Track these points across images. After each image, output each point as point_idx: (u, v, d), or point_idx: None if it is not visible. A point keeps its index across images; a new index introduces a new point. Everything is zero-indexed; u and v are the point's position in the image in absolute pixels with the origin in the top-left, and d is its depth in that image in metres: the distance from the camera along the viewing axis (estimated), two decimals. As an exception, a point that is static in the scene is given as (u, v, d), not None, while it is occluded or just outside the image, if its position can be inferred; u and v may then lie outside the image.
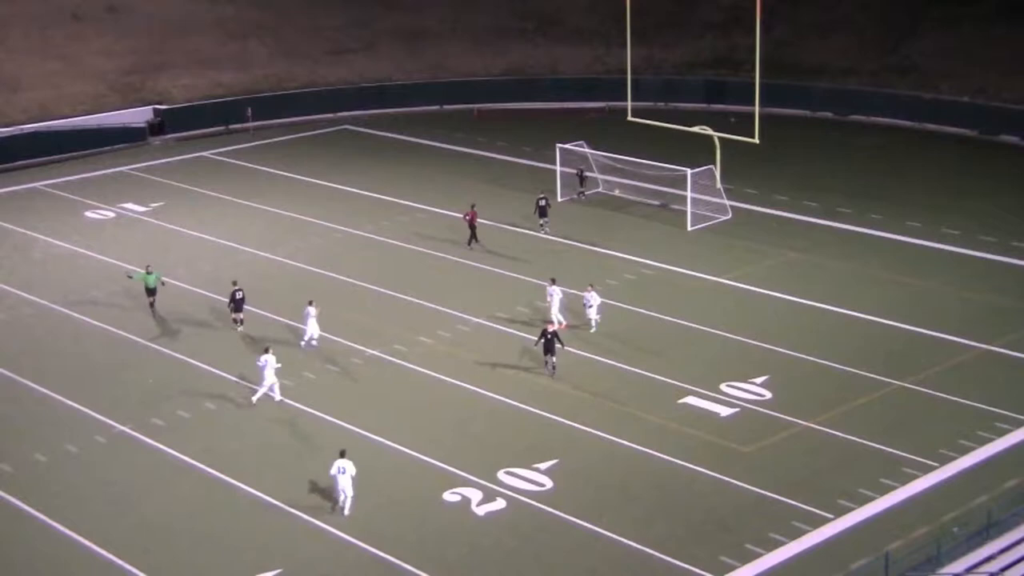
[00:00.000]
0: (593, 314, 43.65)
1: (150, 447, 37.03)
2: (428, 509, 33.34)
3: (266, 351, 39.56)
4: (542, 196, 55.09)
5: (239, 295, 45.01)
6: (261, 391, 39.23)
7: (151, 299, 46.26)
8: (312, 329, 42.88)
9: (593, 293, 43.64)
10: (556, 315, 43.48)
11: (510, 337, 43.76)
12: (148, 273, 46.25)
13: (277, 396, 39.23)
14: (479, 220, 52.87)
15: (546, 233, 54.29)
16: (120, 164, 68.58)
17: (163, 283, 46.68)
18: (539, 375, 40.50)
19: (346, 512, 32.99)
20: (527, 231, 54.56)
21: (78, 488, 35.02)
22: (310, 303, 43.20)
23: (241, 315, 45.13)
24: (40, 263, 53.43)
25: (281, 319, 45.90)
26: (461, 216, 53.77)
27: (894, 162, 64.37)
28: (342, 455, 33.13)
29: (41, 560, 31.67)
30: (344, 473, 32.81)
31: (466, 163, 66.28)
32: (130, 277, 47.37)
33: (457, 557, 31.18)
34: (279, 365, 39.30)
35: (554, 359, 39.97)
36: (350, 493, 32.90)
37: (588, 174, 58.85)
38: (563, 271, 49.57)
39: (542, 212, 54.54)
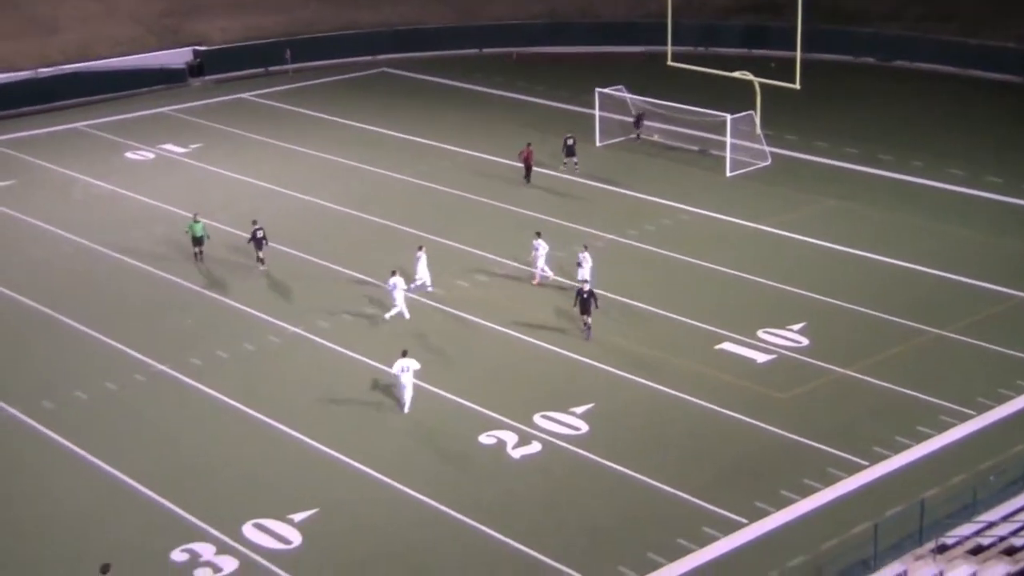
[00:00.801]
0: (586, 275, 41.06)
1: (188, 386, 37.36)
2: (464, 452, 33.53)
3: (393, 273, 40.64)
4: (570, 136, 55.19)
5: (259, 234, 44.99)
6: (393, 311, 40.31)
7: (197, 249, 45.59)
8: (423, 273, 42.76)
9: (586, 254, 41.86)
10: (541, 268, 43.03)
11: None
12: (195, 222, 45.57)
13: (407, 314, 40.48)
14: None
15: (575, 172, 54.39)
16: (160, 105, 68.75)
17: (208, 237, 46.18)
18: (575, 318, 40.49)
19: (406, 410, 35.12)
20: (566, 176, 54.37)
21: (118, 426, 35.43)
22: (420, 248, 43.13)
23: (262, 254, 45.10)
24: (80, 203, 53.76)
25: (317, 260, 46.05)
26: (516, 154, 54.23)
27: (936, 109, 63.66)
28: (404, 355, 35.18)
29: (82, 495, 32.11)
30: (407, 371, 35.02)
31: (505, 107, 66.03)
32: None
33: (492, 499, 31.38)
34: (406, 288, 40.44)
35: (589, 319, 39.06)
36: (411, 392, 35.18)
37: (645, 122, 58.58)
38: (600, 216, 49.56)
39: (569, 151, 54.70)
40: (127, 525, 30.53)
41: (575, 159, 54.74)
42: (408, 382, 35.18)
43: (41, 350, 40.15)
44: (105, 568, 27.10)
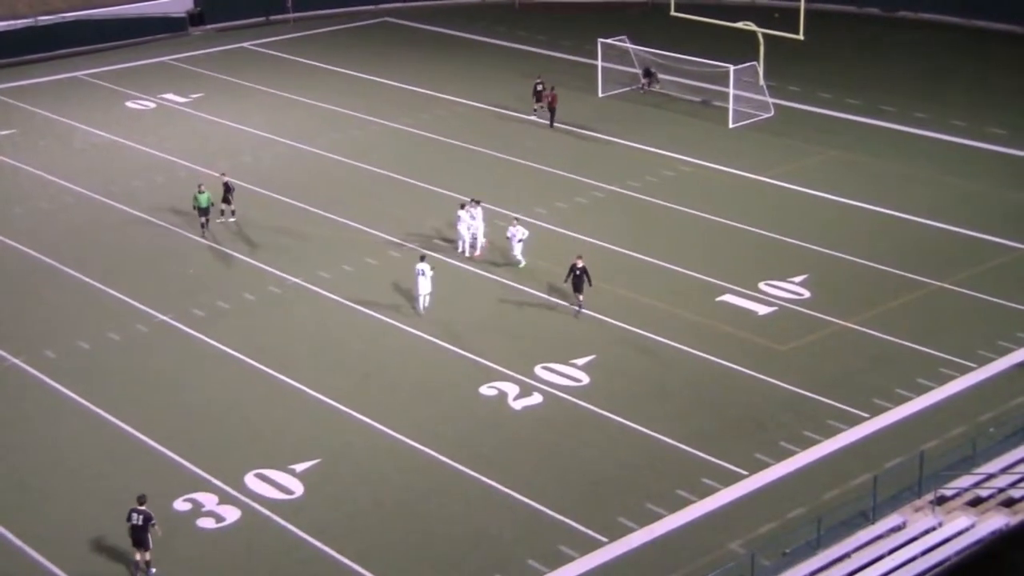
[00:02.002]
0: (517, 252, 40.52)
1: (190, 337, 37.44)
2: (465, 402, 33.64)
3: (422, 259, 38.16)
4: (539, 80, 55.27)
5: (224, 182, 44.77)
6: (423, 301, 38.22)
7: (203, 219, 43.77)
8: (464, 231, 41.82)
9: (519, 228, 40.63)
10: (480, 237, 41.78)
11: (548, 232, 43.71)
12: (200, 192, 43.85)
13: (421, 307, 38.06)
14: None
15: (538, 116, 54.78)
16: (160, 54, 68.42)
17: (214, 204, 44.72)
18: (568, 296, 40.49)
19: (422, 311, 37.45)
20: (567, 127, 54.18)
21: (121, 375, 35.53)
22: (476, 203, 42.12)
23: (229, 207, 44.67)
24: (81, 152, 53.64)
25: (317, 210, 46.02)
26: (541, 96, 54.48)
27: (941, 60, 63.31)
28: (422, 259, 37.67)
29: (85, 445, 32.26)
30: (424, 275, 37.28)
31: (506, 57, 65.70)
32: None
33: (493, 450, 31.52)
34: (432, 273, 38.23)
35: (581, 298, 37.58)
36: (427, 292, 37.43)
37: (657, 74, 58.29)
38: (601, 167, 49.44)
39: (539, 96, 54.78)
40: (129, 474, 30.66)
41: (542, 104, 54.78)
42: (426, 285, 37.33)
43: (44, 300, 40.20)
44: (142, 499, 27.32)
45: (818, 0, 65.24)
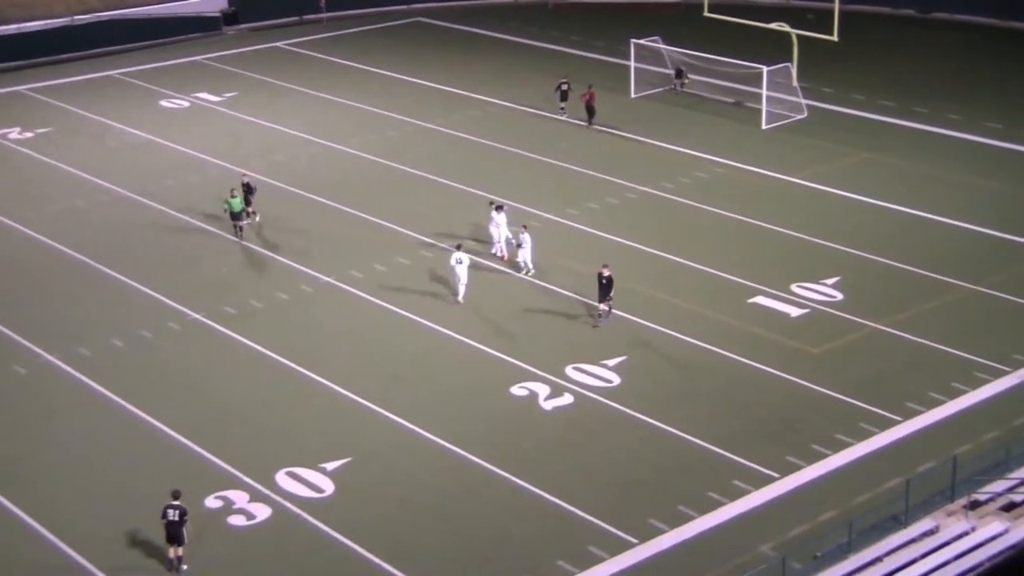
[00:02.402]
0: (527, 258, 40.27)
1: (223, 335, 37.59)
2: (495, 403, 33.65)
3: (458, 248, 38.80)
4: (564, 80, 55.37)
5: (244, 183, 44.55)
6: (461, 289, 38.74)
7: (236, 223, 43.39)
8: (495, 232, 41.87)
9: (526, 235, 40.28)
10: (500, 245, 41.36)
11: (580, 233, 43.70)
12: (232, 197, 43.34)
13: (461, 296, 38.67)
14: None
15: (564, 116, 54.81)
16: (194, 53, 68.73)
17: (249, 213, 44.18)
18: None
19: (460, 299, 38.11)
20: (600, 127, 54.12)
21: (153, 373, 35.72)
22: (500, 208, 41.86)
23: (250, 208, 44.28)
24: (115, 151, 53.94)
25: (350, 209, 46.12)
26: (567, 96, 54.38)
27: (976, 61, 62.86)
28: (458, 248, 38.41)
29: (117, 442, 32.46)
30: (461, 264, 37.97)
31: (539, 57, 65.65)
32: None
33: (523, 450, 31.52)
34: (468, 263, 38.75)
35: (603, 307, 37.00)
36: (465, 281, 38.09)
37: (687, 73, 58.15)
38: (634, 168, 49.36)
39: (563, 96, 54.84)
40: (161, 472, 30.81)
41: (566, 104, 55.03)
42: (463, 273, 37.96)
43: (78, 298, 40.46)
44: (176, 494, 27.51)
45: (852, 1, 64.90)
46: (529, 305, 38.83)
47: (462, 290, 38.49)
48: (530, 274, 39.73)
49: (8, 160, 53.21)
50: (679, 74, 58.31)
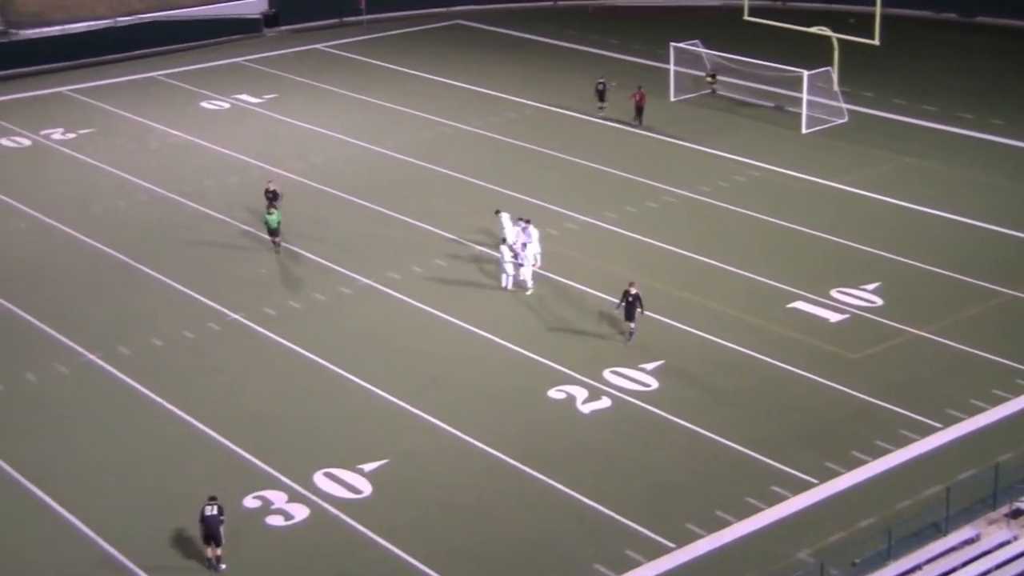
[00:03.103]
0: (534, 248, 39.91)
1: (262, 335, 37.75)
2: (533, 405, 33.64)
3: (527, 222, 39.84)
4: (601, 80, 55.39)
5: (271, 190, 44.31)
6: (527, 270, 39.49)
7: (274, 239, 42.57)
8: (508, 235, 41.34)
9: (531, 227, 40.02)
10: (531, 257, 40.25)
11: (618, 237, 43.64)
12: (269, 213, 42.66)
13: (529, 271, 39.38)
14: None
15: (603, 117, 54.77)
16: (235, 55, 69.10)
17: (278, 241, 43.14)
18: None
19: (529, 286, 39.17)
20: (638, 131, 54.07)
21: (193, 373, 35.91)
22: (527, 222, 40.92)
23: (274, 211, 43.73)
24: (156, 152, 54.29)
25: (388, 211, 46.21)
26: (628, 96, 54.57)
27: (1020, 66, 62.29)
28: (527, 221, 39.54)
29: (157, 441, 32.64)
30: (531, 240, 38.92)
31: (577, 60, 65.63)
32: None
33: (560, 453, 31.48)
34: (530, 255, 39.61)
35: (633, 326, 36.11)
36: (535, 252, 39.27)
37: (719, 76, 58.02)
38: (672, 171, 49.26)
39: (601, 96, 54.98)
40: (200, 471, 31.00)
41: (605, 104, 55.20)
42: (533, 246, 39.24)
43: (119, 298, 40.73)
44: (212, 497, 27.69)
45: (894, 5, 64.35)
46: (567, 308, 38.80)
47: (529, 267, 39.30)
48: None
49: (51, 160, 53.66)
50: (713, 75, 58.07)
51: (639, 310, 35.91)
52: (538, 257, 40.35)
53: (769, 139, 52.99)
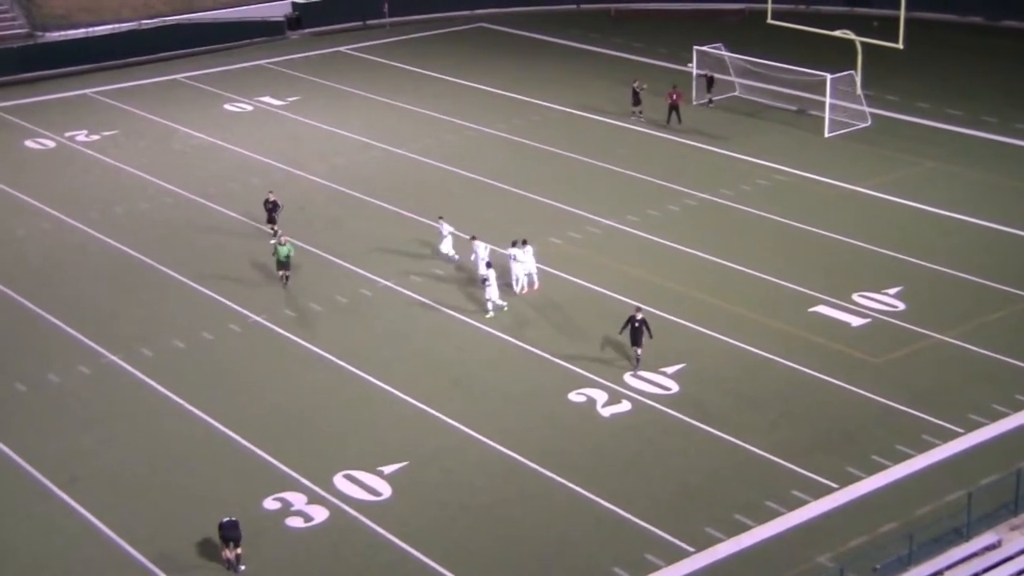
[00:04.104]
0: (530, 267, 39.50)
1: (283, 337, 37.83)
2: (553, 409, 33.61)
3: (513, 244, 39.43)
4: (636, 82, 55.53)
5: (272, 202, 43.79)
6: (516, 283, 39.55)
7: (282, 273, 40.30)
8: (447, 246, 41.93)
9: (519, 250, 39.33)
10: (529, 276, 39.82)
11: (640, 240, 43.59)
12: (280, 244, 40.34)
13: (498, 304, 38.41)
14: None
15: (638, 121, 54.74)
16: (258, 58, 69.33)
17: (274, 231, 43.03)
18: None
19: (517, 290, 39.20)
20: (662, 134, 54.02)
21: (214, 375, 36.03)
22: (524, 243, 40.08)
23: (274, 226, 43.41)
24: (180, 154, 54.50)
25: (410, 214, 46.27)
26: (664, 96, 54.70)
27: (1045, 70, 62.09)
28: (514, 244, 39.21)
29: (178, 442, 32.75)
30: (515, 260, 38.88)
31: (601, 63, 65.61)
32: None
33: (580, 457, 31.46)
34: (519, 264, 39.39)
35: (639, 351, 35.02)
36: (524, 272, 39.12)
37: (717, 76, 57.73)
38: (695, 175, 49.18)
39: (636, 99, 55.08)
40: (221, 472, 31.11)
41: (640, 107, 55.23)
42: (519, 267, 39.12)
43: (141, 299, 40.88)
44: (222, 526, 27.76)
45: (918, 8, 64.07)
46: (587, 311, 38.76)
47: (521, 282, 39.33)
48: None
49: (75, 162, 53.93)
50: (710, 83, 57.52)
51: (646, 336, 34.88)
52: (534, 277, 39.70)
53: (792, 143, 52.85)
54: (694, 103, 57.25)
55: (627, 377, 34.65)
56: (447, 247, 41.79)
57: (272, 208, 44.01)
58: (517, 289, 39.69)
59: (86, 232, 46.20)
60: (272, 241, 42.86)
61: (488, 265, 38.75)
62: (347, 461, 31.42)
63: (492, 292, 38.26)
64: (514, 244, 39.83)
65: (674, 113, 54.57)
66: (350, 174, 50.82)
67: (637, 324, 34.79)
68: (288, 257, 40.26)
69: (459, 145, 54.04)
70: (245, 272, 42.30)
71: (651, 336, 35.01)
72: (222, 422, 33.40)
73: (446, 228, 41.80)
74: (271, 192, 44.86)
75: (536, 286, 39.85)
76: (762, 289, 39.87)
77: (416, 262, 42.17)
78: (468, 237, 40.99)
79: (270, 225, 43.88)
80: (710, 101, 57.37)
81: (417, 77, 64.56)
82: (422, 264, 41.98)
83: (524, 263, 39.67)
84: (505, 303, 38.68)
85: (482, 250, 39.71)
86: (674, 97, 54.47)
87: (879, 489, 29.79)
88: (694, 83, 57.74)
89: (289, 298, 39.96)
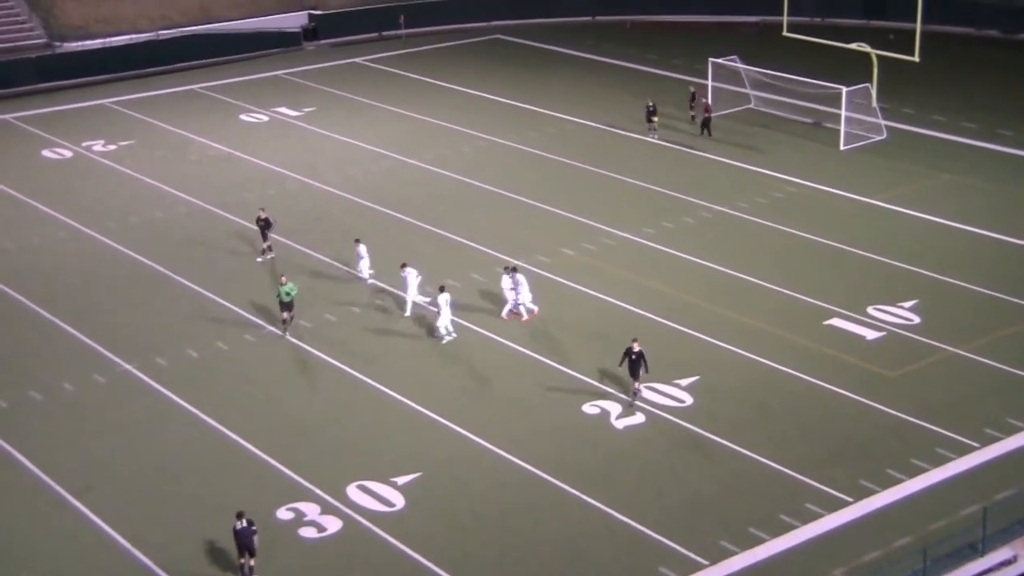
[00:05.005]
0: (522, 299, 38.59)
1: (297, 348, 37.87)
2: (567, 419, 33.58)
3: (441, 289, 37.79)
4: (650, 103, 55.15)
5: (264, 219, 43.52)
6: (515, 309, 38.73)
7: (285, 315, 38.34)
8: (365, 267, 41.84)
9: (512, 277, 38.71)
10: (528, 304, 38.97)
11: (655, 252, 43.57)
12: (282, 284, 38.35)
13: (442, 332, 37.61)
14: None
15: (654, 138, 54.45)
16: (275, 68, 69.54)
17: (264, 250, 43.48)
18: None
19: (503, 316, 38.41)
20: (675, 145, 54.01)
21: (227, 384, 36.08)
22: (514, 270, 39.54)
23: (266, 243, 43.53)
24: (196, 164, 54.67)
25: (424, 225, 46.33)
26: (652, 118, 54.65)
27: (1061, 84, 61.94)
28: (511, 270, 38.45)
29: (192, 451, 32.80)
30: (512, 288, 38.04)
31: (616, 75, 65.65)
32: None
33: (594, 469, 31.41)
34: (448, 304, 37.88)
35: (637, 384, 33.98)
36: (442, 318, 37.34)
37: (701, 98, 56.98)
38: (710, 187, 49.15)
39: (649, 118, 54.77)
40: (234, 482, 31.13)
41: (655, 125, 54.90)
42: (511, 295, 38.12)
43: (156, 309, 40.97)
44: (240, 515, 27.75)
45: (935, 22, 64.00)
46: (601, 323, 38.74)
47: (516, 307, 38.73)
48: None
49: (91, 172, 54.13)
50: (693, 98, 56.99)
51: (643, 369, 33.83)
52: (531, 304, 38.91)
53: (807, 155, 52.80)
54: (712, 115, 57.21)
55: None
56: (364, 268, 41.59)
57: (264, 225, 43.80)
58: (505, 315, 38.86)
59: (102, 241, 46.35)
60: (259, 260, 43.10)
61: (438, 294, 37.73)
62: (360, 471, 31.42)
63: (443, 318, 37.56)
64: (506, 271, 39.20)
65: (704, 125, 54.58)
66: (365, 185, 50.91)
67: (634, 356, 33.66)
68: (291, 296, 38.07)
69: (474, 156, 54.11)
70: (260, 282, 42.35)
71: (647, 371, 33.85)
72: (236, 431, 33.44)
73: (363, 249, 41.65)
74: (262, 209, 44.48)
75: (535, 311, 38.96)
76: (777, 302, 39.81)
77: (430, 272, 42.15)
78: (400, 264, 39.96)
79: (263, 242, 43.76)
80: (694, 118, 56.73)
81: (432, 88, 64.69)
82: (437, 275, 41.93)
83: (521, 291, 38.69)
84: (454, 333, 37.81)
85: (412, 278, 39.18)
86: (704, 108, 54.51)
87: (894, 503, 29.68)
88: (710, 95, 57.63)
89: (304, 308, 39.95)
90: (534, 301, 39.08)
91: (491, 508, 30.11)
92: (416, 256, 43.60)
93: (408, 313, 39.24)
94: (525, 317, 38.90)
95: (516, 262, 41.06)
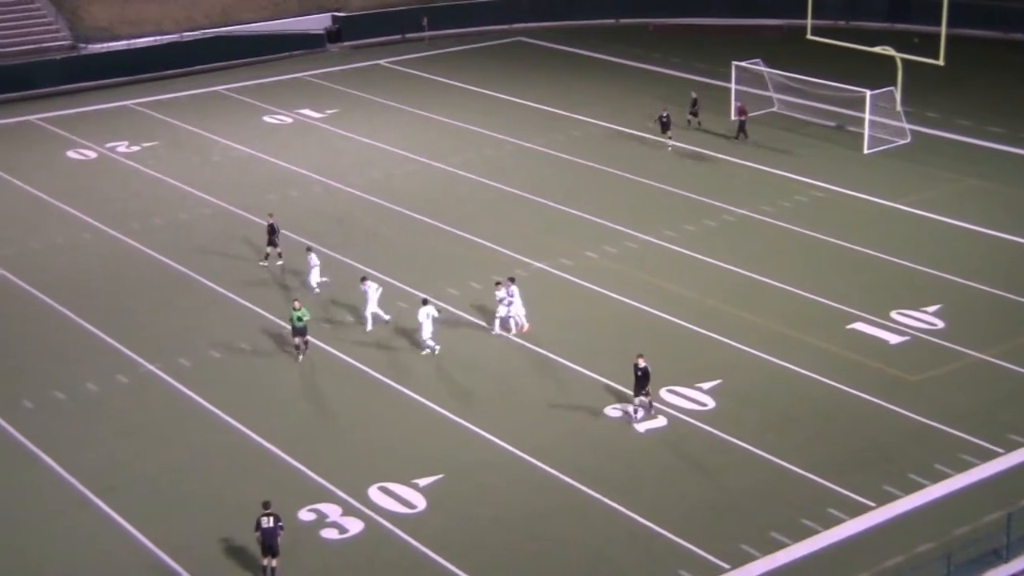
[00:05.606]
0: (514, 311, 37.95)
1: (319, 349, 37.90)
2: (589, 423, 33.56)
3: (424, 303, 37.26)
4: (663, 112, 54.54)
5: (273, 225, 43.21)
6: (427, 343, 37.17)
7: (297, 340, 37.07)
8: (315, 277, 41.40)
9: (506, 288, 38.05)
10: (520, 318, 38.25)
11: (678, 255, 43.51)
12: (295, 309, 36.92)
13: (428, 345, 36.99)
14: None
15: (671, 147, 54.00)
16: (298, 70, 69.68)
17: (268, 255, 43.07)
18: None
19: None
20: (701, 149, 53.92)
21: (249, 385, 36.15)
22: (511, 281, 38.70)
23: (275, 249, 43.22)
24: (219, 165, 54.82)
25: (447, 227, 46.35)
26: (668, 127, 54.11)
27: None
28: (424, 303, 37.07)
29: (215, 451, 32.89)
30: (428, 318, 36.64)
31: (640, 78, 65.58)
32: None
33: (615, 471, 31.38)
34: (437, 315, 37.37)
35: (637, 401, 33.34)
36: (425, 331, 36.77)
37: (697, 106, 56.36)
38: (734, 191, 49.05)
39: (664, 128, 54.10)
40: (256, 483, 31.17)
41: (670, 133, 54.24)
42: (428, 327, 36.77)
43: (180, 309, 41.10)
44: (267, 504, 27.83)
45: (960, 25, 63.68)
46: (624, 327, 38.70)
47: (505, 323, 37.90)
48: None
49: (115, 173, 54.35)
50: (694, 104, 56.54)
51: (645, 390, 33.09)
52: (522, 318, 38.30)
53: (831, 159, 52.65)
54: (733, 117, 57.06)
55: (663, 392, 34.54)
56: (314, 278, 41.27)
57: (271, 231, 43.55)
58: (496, 330, 38.32)
59: (126, 242, 46.53)
60: (262, 263, 43.18)
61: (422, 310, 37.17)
62: (382, 473, 31.45)
63: (425, 331, 37.09)
64: (499, 284, 38.38)
65: (742, 128, 54.53)
66: (388, 187, 50.97)
67: (640, 373, 32.99)
68: (303, 322, 36.84)
69: (498, 159, 54.12)
70: (282, 283, 42.44)
71: (647, 393, 33.20)
72: (258, 432, 33.52)
73: (314, 259, 41.37)
74: (271, 215, 44.34)
75: (525, 327, 38.39)
76: (800, 306, 39.70)
77: (453, 275, 42.21)
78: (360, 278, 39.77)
79: (270, 248, 43.50)
80: (689, 123, 56.10)
81: (456, 91, 64.73)
82: (460, 278, 42.01)
83: (514, 304, 38.12)
84: (437, 347, 37.36)
85: (372, 291, 38.80)
86: (739, 111, 54.57)
87: (916, 508, 29.57)
88: (732, 98, 57.52)
89: (326, 309, 40.03)
90: (527, 317, 38.39)
91: (512, 511, 30.11)
92: (438, 259, 43.74)
93: (369, 328, 38.57)
94: (514, 331, 38.23)
95: (499, 277, 39.62)
